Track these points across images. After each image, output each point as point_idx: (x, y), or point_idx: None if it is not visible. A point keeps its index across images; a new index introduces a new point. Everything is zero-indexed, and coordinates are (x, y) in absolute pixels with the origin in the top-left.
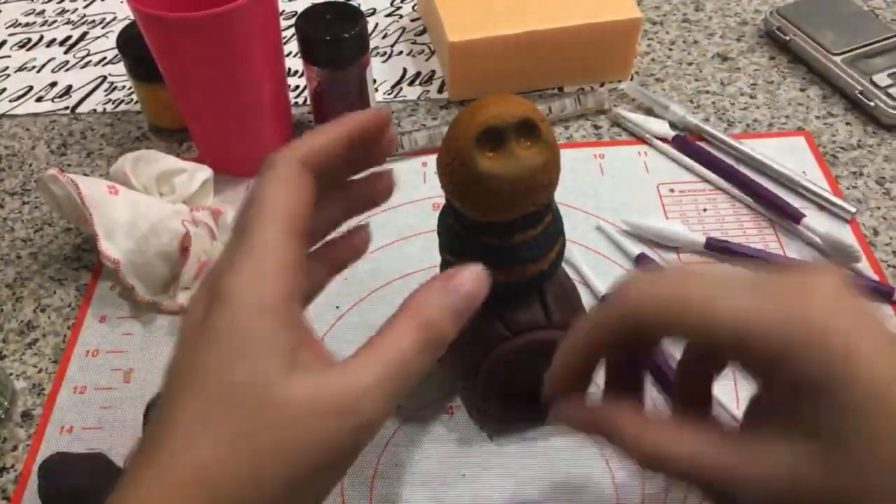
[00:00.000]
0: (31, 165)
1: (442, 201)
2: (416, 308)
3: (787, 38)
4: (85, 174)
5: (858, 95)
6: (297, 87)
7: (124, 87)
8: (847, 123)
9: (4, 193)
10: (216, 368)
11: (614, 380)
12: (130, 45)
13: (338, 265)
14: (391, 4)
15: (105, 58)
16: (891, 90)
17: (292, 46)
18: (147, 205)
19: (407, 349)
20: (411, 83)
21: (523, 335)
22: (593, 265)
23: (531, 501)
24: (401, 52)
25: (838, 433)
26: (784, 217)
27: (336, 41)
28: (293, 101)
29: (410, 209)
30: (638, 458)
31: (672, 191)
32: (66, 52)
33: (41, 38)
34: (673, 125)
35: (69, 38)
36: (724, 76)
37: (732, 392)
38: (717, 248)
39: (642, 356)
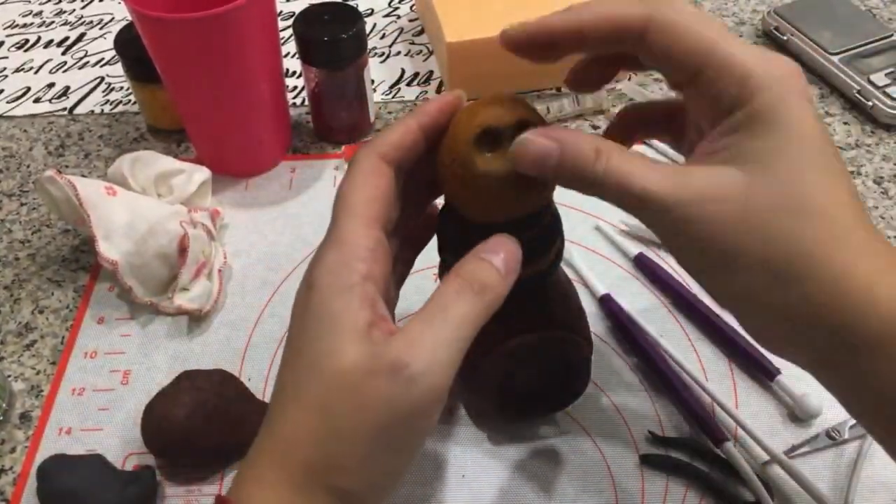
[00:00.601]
0: (28, 167)
1: (441, 202)
2: (461, 274)
3: (785, 37)
4: (83, 175)
5: (856, 95)
6: (295, 87)
7: (122, 88)
8: (845, 123)
9: (2, 195)
10: (306, 346)
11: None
12: (128, 45)
13: (421, 242)
14: (389, 5)
15: (103, 59)
16: (888, 89)
17: (290, 47)
18: (145, 206)
19: (452, 306)
20: (409, 83)
21: (522, 335)
22: (592, 265)
23: (531, 501)
24: (399, 53)
25: (778, 164)
26: None
27: (334, 42)
28: (291, 101)
29: None
30: (592, 172)
31: None
32: (63, 53)
33: (39, 38)
34: None
35: (67, 38)
36: None
37: (732, 391)
38: None
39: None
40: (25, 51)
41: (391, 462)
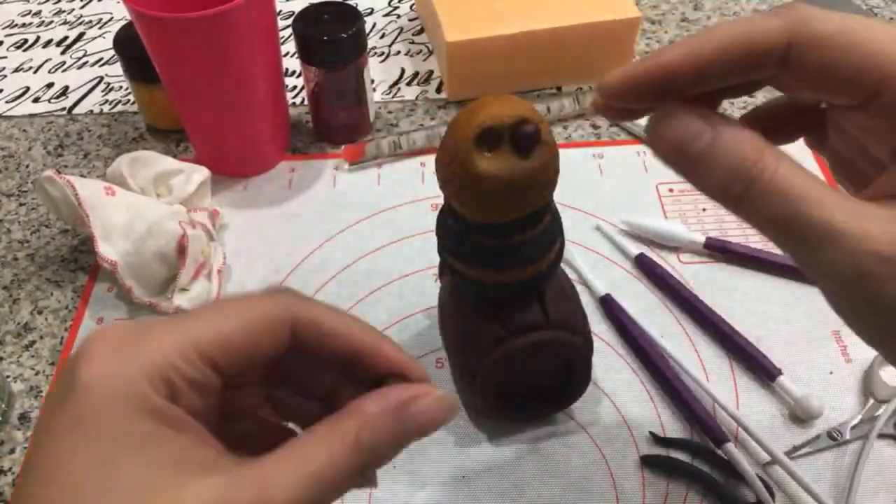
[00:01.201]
0: (27, 167)
1: (440, 202)
2: (360, 421)
3: None
4: (82, 175)
5: None
6: (295, 87)
7: (121, 87)
8: None
9: (1, 195)
10: (88, 473)
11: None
12: (127, 45)
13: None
14: (389, 4)
15: (102, 58)
16: None
17: (290, 46)
18: (144, 206)
19: (333, 465)
20: (409, 83)
21: (522, 336)
22: (592, 265)
23: (531, 502)
24: (399, 52)
25: None
26: None
27: (334, 41)
28: (290, 101)
29: (409, 210)
30: (748, 178)
31: (671, 190)
32: (62, 53)
33: (38, 38)
34: None
35: (66, 38)
36: None
37: (733, 391)
38: (717, 248)
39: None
40: (24, 50)
41: None
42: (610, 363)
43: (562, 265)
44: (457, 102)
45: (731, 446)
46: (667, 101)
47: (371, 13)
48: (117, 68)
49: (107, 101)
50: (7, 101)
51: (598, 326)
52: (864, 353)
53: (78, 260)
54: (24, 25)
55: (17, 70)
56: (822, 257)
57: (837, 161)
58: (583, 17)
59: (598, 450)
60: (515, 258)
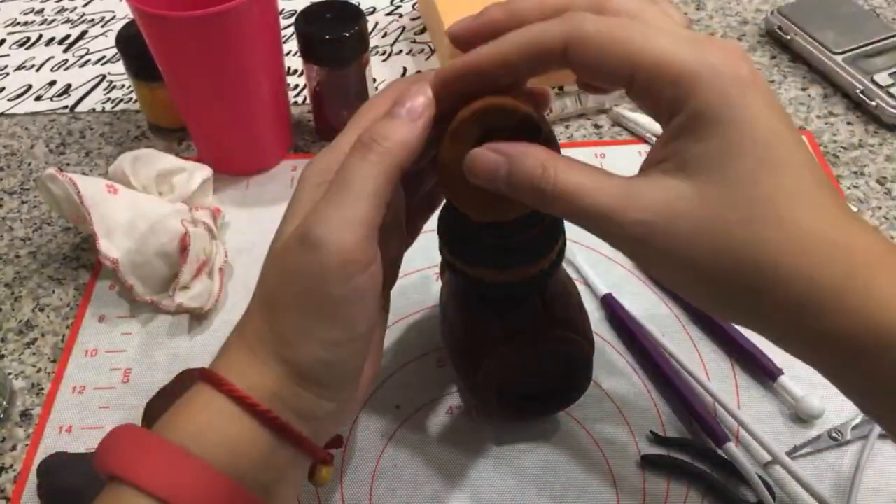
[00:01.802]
0: (29, 164)
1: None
2: (360, 137)
3: (789, 37)
4: (84, 173)
5: (860, 95)
6: (297, 86)
7: (123, 86)
8: (848, 123)
9: (3, 193)
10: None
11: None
12: (130, 43)
13: (432, 208)
14: (391, 3)
15: (104, 57)
16: (892, 89)
17: (292, 45)
18: (146, 204)
19: (352, 168)
20: None
21: (524, 335)
22: (594, 265)
23: (532, 501)
24: (401, 51)
25: (726, 169)
26: None
27: (336, 40)
28: (293, 100)
29: None
30: (540, 187)
31: None
32: (65, 51)
33: (40, 36)
34: None
35: (68, 36)
36: None
37: (734, 391)
38: None
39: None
40: (27, 49)
41: (323, 332)
42: (611, 362)
43: (563, 264)
44: None
45: (731, 446)
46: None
47: (373, 12)
48: (120, 66)
49: (109, 99)
50: (9, 99)
51: (599, 326)
52: None
53: (80, 258)
54: (26, 23)
55: (19, 68)
56: (608, 235)
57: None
58: None
59: (599, 449)
60: (517, 257)
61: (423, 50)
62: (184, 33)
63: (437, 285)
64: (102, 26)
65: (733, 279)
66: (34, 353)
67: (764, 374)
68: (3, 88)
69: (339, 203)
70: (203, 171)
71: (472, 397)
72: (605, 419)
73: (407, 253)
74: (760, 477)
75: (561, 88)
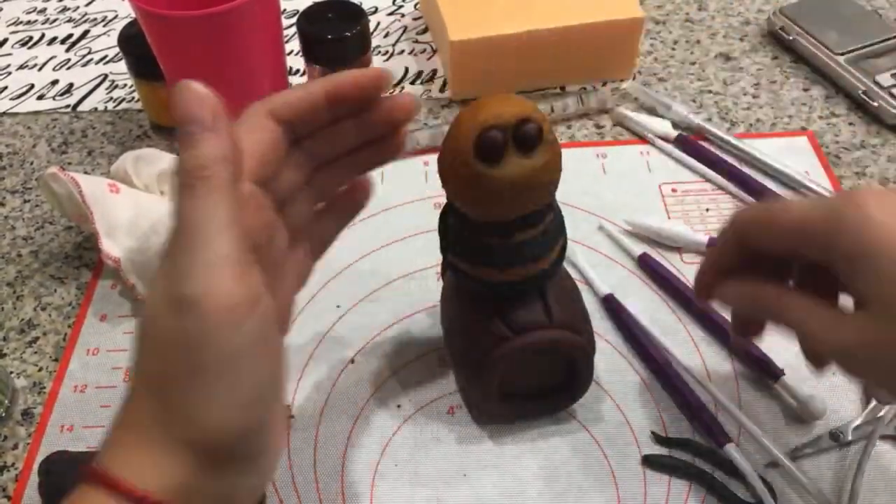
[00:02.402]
0: (32, 164)
1: (443, 201)
2: (185, 178)
3: (791, 37)
4: (86, 172)
5: (861, 95)
6: None
7: (125, 85)
8: (850, 123)
9: (5, 192)
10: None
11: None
12: (132, 43)
13: (343, 218)
14: (393, 3)
15: (106, 56)
16: (894, 90)
17: (294, 45)
18: (148, 203)
19: (191, 215)
20: (413, 82)
21: (524, 335)
22: (595, 265)
23: (532, 501)
24: (402, 51)
25: (881, 297)
26: None
27: (338, 40)
28: None
29: (412, 208)
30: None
31: (674, 191)
32: (67, 51)
33: (42, 36)
34: (675, 125)
35: (70, 36)
36: (726, 76)
37: (735, 392)
38: None
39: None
40: (29, 48)
41: (233, 396)
42: (612, 362)
43: (564, 264)
44: (460, 101)
45: (732, 446)
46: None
47: (375, 12)
48: (122, 66)
49: (111, 98)
50: (12, 99)
51: (601, 326)
52: None
53: (82, 257)
54: (29, 23)
55: (21, 67)
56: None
57: None
58: (587, 17)
59: (600, 449)
60: (518, 257)
61: (424, 50)
62: (186, 33)
63: (437, 285)
64: (104, 25)
65: None
66: (36, 352)
67: (766, 374)
68: (6, 88)
69: (192, 251)
70: None
71: (473, 397)
72: (605, 419)
73: (407, 253)
74: (761, 477)
75: (563, 88)
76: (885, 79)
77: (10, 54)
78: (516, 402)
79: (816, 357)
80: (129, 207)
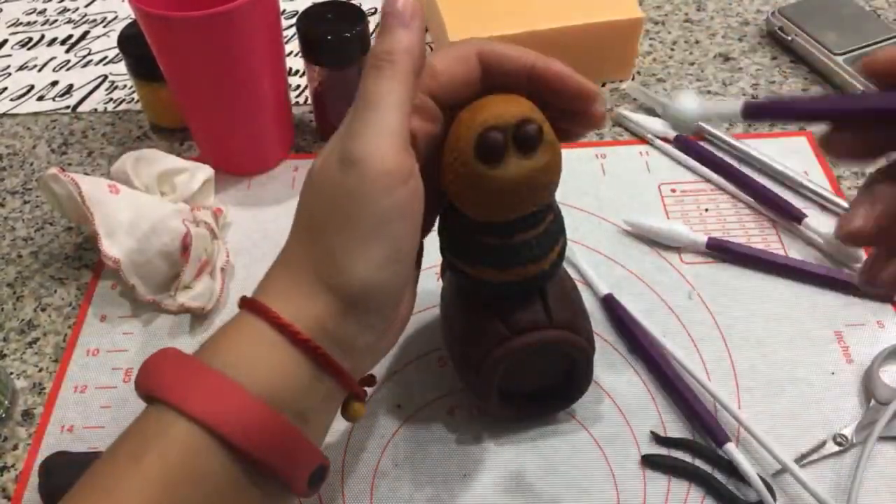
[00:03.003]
0: (32, 164)
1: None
2: (369, 59)
3: (789, 38)
4: (86, 173)
5: None
6: (299, 86)
7: (125, 86)
8: None
9: (5, 192)
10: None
11: None
12: (131, 44)
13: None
14: None
15: (106, 57)
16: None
17: (293, 46)
18: (148, 204)
19: (373, 89)
20: None
21: (524, 335)
22: (594, 265)
23: (532, 501)
24: None
25: None
26: (786, 217)
27: (337, 40)
28: (294, 100)
29: None
30: None
31: (673, 191)
32: (67, 52)
33: (42, 37)
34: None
35: (70, 37)
36: (725, 76)
37: (734, 391)
38: (719, 248)
39: None
40: (29, 49)
41: (369, 252)
42: (611, 362)
43: (564, 264)
44: None
45: (732, 446)
46: None
47: (375, 13)
48: (121, 67)
49: (111, 99)
50: (12, 100)
51: (600, 326)
52: (866, 353)
53: (82, 257)
54: (28, 24)
55: (21, 68)
56: None
57: None
58: (586, 18)
59: (600, 449)
60: (518, 257)
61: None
62: (185, 34)
63: (437, 285)
64: (104, 26)
65: None
66: (36, 353)
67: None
68: (6, 89)
69: (366, 120)
70: (204, 172)
71: (473, 397)
72: (605, 419)
73: None
74: (761, 477)
75: None
76: None
77: (9, 55)
78: (516, 402)
79: None
80: (129, 208)
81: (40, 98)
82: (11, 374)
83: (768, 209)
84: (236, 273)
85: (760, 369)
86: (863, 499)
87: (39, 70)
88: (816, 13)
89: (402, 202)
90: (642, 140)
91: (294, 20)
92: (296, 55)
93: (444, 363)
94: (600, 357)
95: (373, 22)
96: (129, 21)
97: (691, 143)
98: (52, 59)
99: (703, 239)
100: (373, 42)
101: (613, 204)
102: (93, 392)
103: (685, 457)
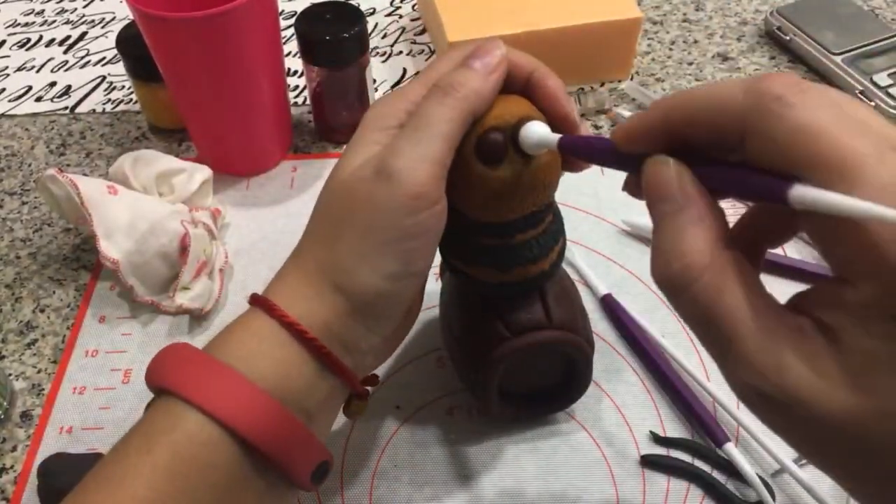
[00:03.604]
0: (30, 165)
1: None
2: (437, 83)
3: (788, 37)
4: (84, 174)
5: (859, 95)
6: (297, 86)
7: (124, 87)
8: None
9: (4, 193)
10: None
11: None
12: (130, 44)
13: None
14: (391, 4)
15: (104, 58)
16: (891, 90)
17: (292, 46)
18: (146, 205)
19: (428, 110)
20: None
21: (524, 335)
22: (594, 265)
23: (532, 501)
24: (400, 52)
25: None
26: None
27: (336, 41)
28: (293, 100)
29: None
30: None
31: None
32: (65, 52)
33: (40, 37)
34: None
35: (68, 37)
36: (724, 76)
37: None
38: None
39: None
40: (27, 50)
41: (384, 263)
42: (611, 363)
43: (563, 265)
44: None
45: (731, 446)
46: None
47: (373, 13)
48: (120, 67)
49: (109, 100)
50: (10, 101)
51: (600, 326)
52: None
53: (80, 258)
54: (26, 25)
55: (19, 69)
56: (728, 374)
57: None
58: (585, 18)
59: (599, 449)
60: (518, 257)
61: (422, 51)
62: (184, 34)
63: (437, 285)
64: (102, 27)
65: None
66: (35, 354)
67: None
68: (4, 89)
69: (416, 140)
70: (203, 172)
71: (472, 397)
72: (604, 419)
73: None
74: (760, 477)
75: None
76: (882, 78)
77: (7, 56)
78: (516, 402)
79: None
80: (128, 209)
81: (38, 99)
82: (10, 375)
83: None
84: (235, 274)
85: None
86: None
87: (37, 71)
88: (815, 13)
89: (425, 223)
90: None
91: (292, 20)
92: (294, 55)
93: (443, 364)
94: (599, 357)
95: (371, 22)
96: (128, 22)
97: None
98: (50, 60)
99: None
100: (371, 42)
101: (612, 204)
102: (92, 393)
103: (684, 457)
